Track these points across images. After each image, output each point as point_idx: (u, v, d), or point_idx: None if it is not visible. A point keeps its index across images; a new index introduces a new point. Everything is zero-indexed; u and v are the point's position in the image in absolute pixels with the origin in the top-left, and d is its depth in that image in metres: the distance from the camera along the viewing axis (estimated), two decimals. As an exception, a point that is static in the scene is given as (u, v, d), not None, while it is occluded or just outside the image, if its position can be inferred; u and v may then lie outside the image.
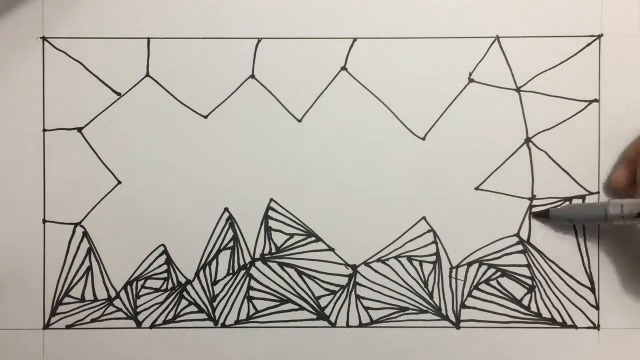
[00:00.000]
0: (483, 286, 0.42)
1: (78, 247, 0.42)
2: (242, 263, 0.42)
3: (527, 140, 0.42)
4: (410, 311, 0.42)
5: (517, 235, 0.42)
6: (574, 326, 0.42)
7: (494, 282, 0.42)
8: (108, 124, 0.42)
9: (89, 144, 0.42)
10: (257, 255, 0.42)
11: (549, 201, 0.42)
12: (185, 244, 0.42)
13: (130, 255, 0.42)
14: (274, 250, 0.42)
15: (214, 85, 0.42)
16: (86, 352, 0.42)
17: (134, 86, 0.42)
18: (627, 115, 0.42)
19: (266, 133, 0.42)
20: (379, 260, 0.42)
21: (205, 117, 0.42)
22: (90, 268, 0.42)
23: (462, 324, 0.42)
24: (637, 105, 0.42)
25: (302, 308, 0.42)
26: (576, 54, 0.42)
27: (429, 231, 0.42)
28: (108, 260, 0.42)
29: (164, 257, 0.42)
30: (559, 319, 0.42)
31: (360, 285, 0.42)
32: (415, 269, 0.42)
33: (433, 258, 0.42)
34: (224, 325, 0.42)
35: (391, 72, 0.42)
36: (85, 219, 0.42)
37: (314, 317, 0.42)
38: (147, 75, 0.42)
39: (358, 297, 0.42)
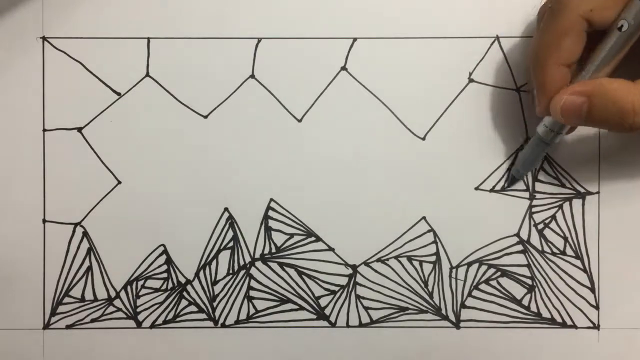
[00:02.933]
0: (483, 286, 0.42)
1: (78, 247, 0.42)
2: (242, 263, 0.42)
3: (527, 141, 0.42)
4: (410, 311, 0.42)
5: (517, 235, 0.42)
6: (574, 326, 0.42)
7: (494, 282, 0.42)
8: (108, 124, 0.42)
9: (89, 144, 0.42)
10: (257, 255, 0.42)
11: (549, 201, 0.42)
12: (185, 244, 0.42)
13: (130, 255, 0.42)
14: (274, 250, 0.42)
15: (214, 85, 0.42)
16: (86, 352, 0.42)
17: (134, 86, 0.42)
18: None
19: (266, 133, 0.42)
20: (379, 260, 0.42)
21: (205, 117, 0.42)
22: (90, 268, 0.42)
23: (462, 324, 0.42)
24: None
25: (302, 308, 0.42)
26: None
27: (429, 231, 0.42)
28: (108, 260, 0.42)
29: (164, 257, 0.42)
30: (559, 319, 0.42)
31: (360, 285, 0.42)
32: (415, 269, 0.42)
33: (433, 258, 0.42)
34: (224, 325, 0.42)
35: (391, 72, 0.42)
36: (85, 219, 0.42)
37: (314, 317, 0.42)
38: (147, 75, 0.42)
39: (358, 297, 0.42)
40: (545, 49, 0.36)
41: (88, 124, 0.42)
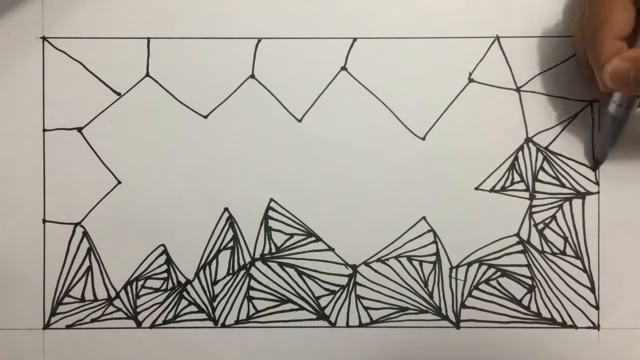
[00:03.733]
0: (483, 286, 0.42)
1: (78, 247, 0.42)
2: (242, 263, 0.42)
3: (527, 140, 0.42)
4: (410, 311, 0.42)
5: (517, 235, 0.42)
6: (574, 326, 0.42)
7: (494, 282, 0.42)
8: (108, 124, 0.42)
9: (89, 144, 0.42)
10: (257, 255, 0.42)
11: (549, 201, 0.42)
12: (185, 244, 0.42)
13: (130, 255, 0.42)
14: (274, 250, 0.42)
15: (214, 85, 0.42)
16: (86, 352, 0.42)
17: (134, 86, 0.42)
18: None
19: (266, 133, 0.42)
20: (379, 260, 0.42)
21: (205, 117, 0.42)
22: (90, 268, 0.42)
23: (462, 324, 0.42)
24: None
25: (302, 308, 0.42)
26: (576, 54, 0.42)
27: (429, 231, 0.42)
28: (108, 260, 0.42)
29: (164, 257, 0.42)
30: (559, 319, 0.42)
31: (360, 285, 0.42)
32: (415, 269, 0.42)
33: (433, 258, 0.42)
34: (224, 325, 0.42)
35: (391, 72, 0.42)
36: (85, 219, 0.42)
37: (314, 317, 0.42)
38: (147, 75, 0.42)
39: (358, 297, 0.42)
40: (595, 24, 0.36)
41: (88, 124, 0.42)
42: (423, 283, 0.42)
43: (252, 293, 0.42)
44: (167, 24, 0.42)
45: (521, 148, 0.42)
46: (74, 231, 0.42)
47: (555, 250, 0.42)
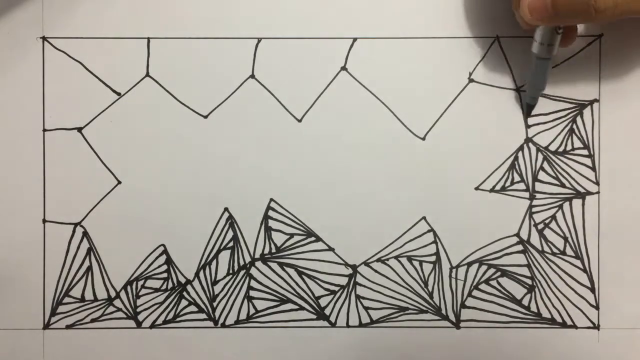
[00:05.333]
0: (483, 286, 0.42)
1: (78, 247, 0.42)
2: (242, 263, 0.42)
3: (527, 140, 0.42)
4: (410, 311, 0.42)
5: (517, 235, 0.42)
6: (574, 326, 0.42)
7: (494, 282, 0.42)
8: (108, 124, 0.42)
9: (89, 144, 0.42)
10: (257, 255, 0.42)
11: (549, 201, 0.42)
12: (185, 244, 0.42)
13: (130, 255, 0.42)
14: (274, 250, 0.42)
15: (214, 85, 0.42)
16: (86, 352, 0.42)
17: (134, 86, 0.42)
18: (626, 115, 0.42)
19: (266, 133, 0.42)
20: (379, 260, 0.42)
21: (205, 117, 0.42)
22: (90, 268, 0.42)
23: (462, 324, 0.42)
24: (637, 105, 0.42)
25: (302, 308, 0.42)
26: (576, 54, 0.42)
27: (429, 231, 0.42)
28: (108, 260, 0.42)
29: (164, 257, 0.42)
30: (559, 319, 0.42)
31: (360, 285, 0.42)
32: (415, 269, 0.42)
33: (433, 258, 0.42)
34: (224, 325, 0.42)
35: (391, 72, 0.42)
36: (85, 219, 0.42)
37: (314, 317, 0.42)
38: (147, 75, 0.42)
39: (358, 297, 0.42)
40: None
41: (88, 124, 0.42)
42: (423, 283, 0.42)
43: (252, 293, 0.42)
44: (167, 24, 0.42)
45: (521, 148, 0.42)
46: (74, 231, 0.42)
47: (555, 250, 0.42)
